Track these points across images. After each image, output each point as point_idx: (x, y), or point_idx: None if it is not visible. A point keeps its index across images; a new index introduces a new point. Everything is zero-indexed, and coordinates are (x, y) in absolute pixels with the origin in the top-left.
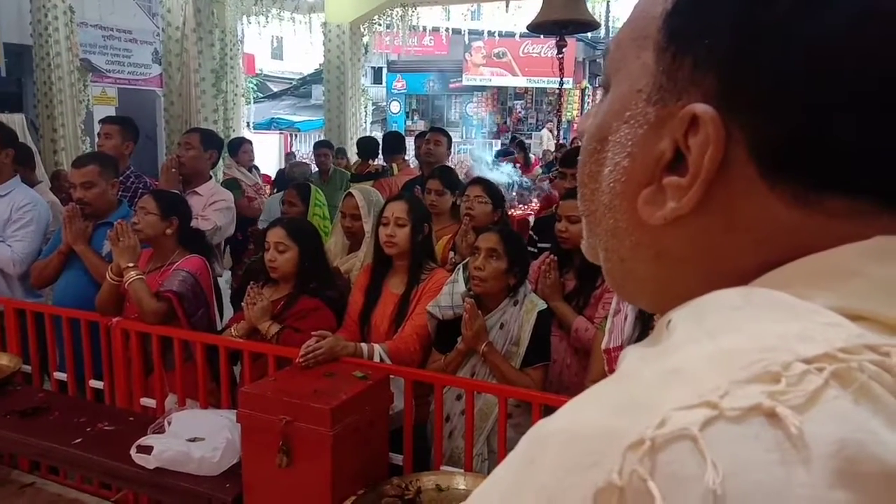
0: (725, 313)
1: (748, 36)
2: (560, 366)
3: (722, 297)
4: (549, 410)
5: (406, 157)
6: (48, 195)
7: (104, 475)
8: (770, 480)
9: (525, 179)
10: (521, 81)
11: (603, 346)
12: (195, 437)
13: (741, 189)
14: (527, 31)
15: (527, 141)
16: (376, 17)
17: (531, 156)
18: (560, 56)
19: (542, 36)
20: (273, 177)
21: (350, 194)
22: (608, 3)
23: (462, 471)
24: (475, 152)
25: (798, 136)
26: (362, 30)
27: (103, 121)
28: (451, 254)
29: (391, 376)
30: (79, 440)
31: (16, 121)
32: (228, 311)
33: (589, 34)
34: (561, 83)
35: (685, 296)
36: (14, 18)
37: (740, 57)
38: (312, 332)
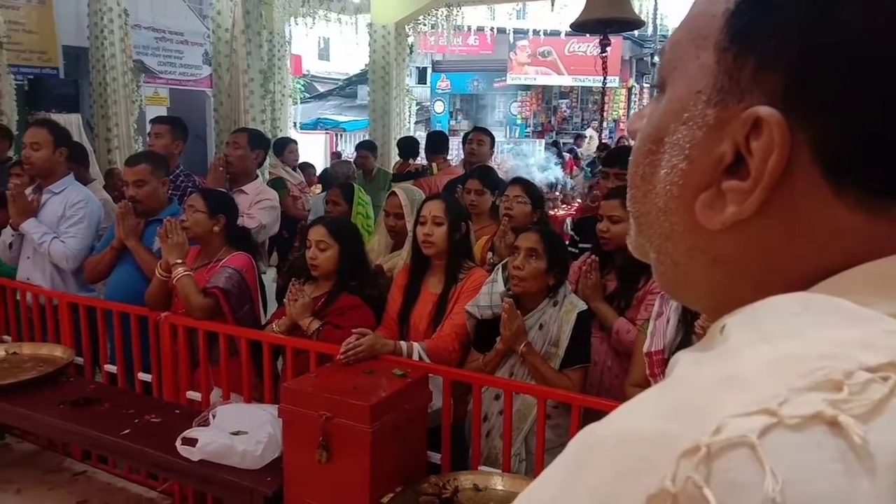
0: (783, 319)
1: (818, 36)
2: (601, 368)
3: (779, 303)
4: (588, 412)
5: (448, 157)
6: (100, 193)
7: (150, 466)
8: (832, 490)
9: (569, 180)
10: (566, 80)
11: (644, 348)
12: (238, 431)
13: (803, 193)
14: (570, 26)
15: (569, 140)
16: (421, 17)
17: (566, 155)
18: (604, 55)
19: (587, 35)
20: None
21: (394, 193)
22: (656, 0)
23: (500, 471)
24: (520, 150)
25: (867, 140)
26: (407, 30)
27: (154, 120)
28: (490, 254)
29: (430, 375)
30: (127, 431)
31: (72, 121)
32: (273, 308)
33: (636, 32)
34: (604, 82)
35: (742, 302)
36: (72, 21)
37: (809, 58)
38: (353, 330)
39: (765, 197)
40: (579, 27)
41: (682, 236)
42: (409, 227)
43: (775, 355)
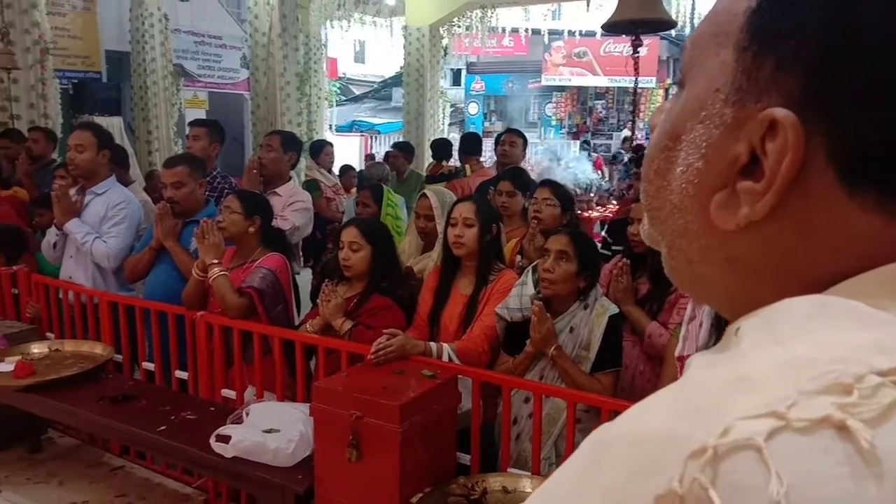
0: (797, 321)
1: (837, 37)
2: (632, 372)
3: (794, 305)
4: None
5: (482, 159)
6: (141, 194)
7: (185, 462)
8: (839, 494)
9: (604, 182)
10: (601, 81)
11: (676, 353)
12: (271, 429)
13: (818, 195)
14: (602, 27)
15: (606, 141)
16: (456, 19)
17: (593, 155)
18: (635, 56)
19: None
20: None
21: (424, 195)
22: (693, 0)
23: (529, 474)
24: (552, 151)
25: (883, 142)
26: (442, 32)
27: (192, 123)
28: (518, 257)
29: (459, 376)
30: (163, 427)
31: (114, 124)
32: (308, 308)
33: (673, 32)
34: (636, 83)
35: (757, 303)
36: (114, 27)
37: (828, 59)
38: (384, 330)
39: (778, 199)
40: (610, 28)
41: (697, 234)
42: (440, 228)
43: (787, 358)
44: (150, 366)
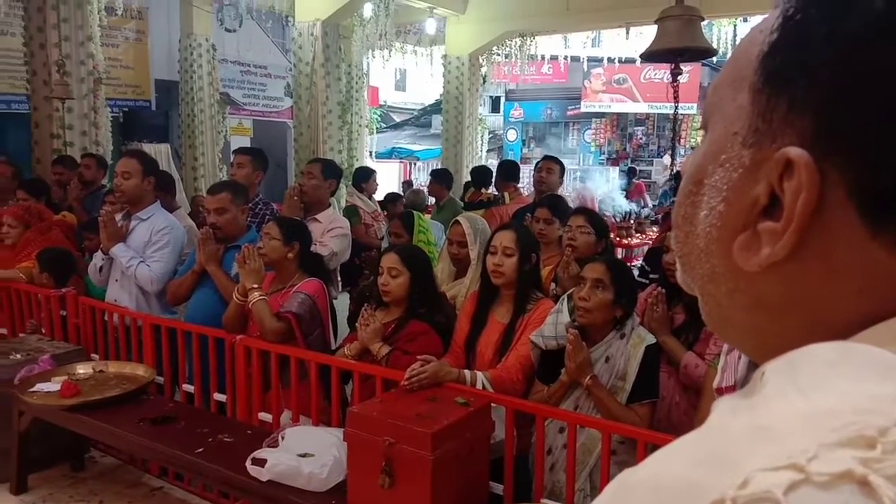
0: (819, 369)
1: (847, 77)
2: (668, 403)
3: (817, 352)
4: (655, 449)
5: (520, 186)
6: (185, 220)
7: (222, 484)
8: None
9: (645, 209)
10: (641, 107)
11: (715, 384)
12: (306, 453)
13: (840, 235)
14: (641, 56)
15: (647, 168)
16: (495, 47)
17: (634, 182)
18: (675, 84)
19: (668, 63)
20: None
21: (457, 222)
22: (735, 26)
23: None
24: (589, 181)
25: None
26: (481, 60)
27: (236, 151)
28: (553, 285)
29: (493, 405)
30: (201, 449)
31: (162, 150)
32: (345, 332)
33: (714, 59)
34: (675, 111)
35: (786, 346)
36: (164, 56)
37: (841, 99)
38: (417, 357)
39: (798, 238)
40: (650, 57)
41: (724, 278)
42: (473, 255)
43: (808, 408)
44: (190, 388)
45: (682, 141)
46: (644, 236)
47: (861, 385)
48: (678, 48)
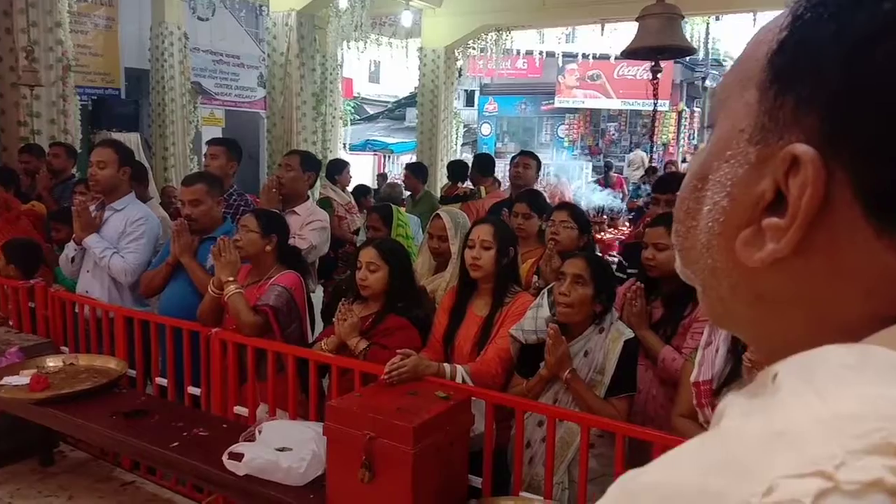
0: (837, 372)
1: (857, 76)
2: (645, 396)
3: (833, 354)
4: (633, 442)
5: (498, 179)
6: (159, 210)
7: (197, 478)
8: None
9: (613, 199)
10: (615, 103)
11: (692, 378)
12: (283, 447)
13: (845, 233)
14: (621, 54)
15: (619, 164)
16: (471, 41)
17: (613, 175)
18: (655, 81)
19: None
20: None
21: (438, 216)
22: (707, 25)
23: (541, 498)
24: (563, 176)
25: None
26: (457, 54)
27: (210, 142)
28: (535, 278)
29: (473, 399)
30: (176, 443)
31: (132, 140)
32: (319, 326)
33: (687, 57)
34: (655, 107)
35: (789, 343)
36: (135, 45)
37: (848, 97)
38: (397, 350)
39: (802, 235)
40: (630, 54)
41: (725, 273)
42: (453, 249)
43: (828, 412)
44: (163, 381)
45: (654, 137)
46: (617, 231)
47: (882, 389)
48: (658, 46)
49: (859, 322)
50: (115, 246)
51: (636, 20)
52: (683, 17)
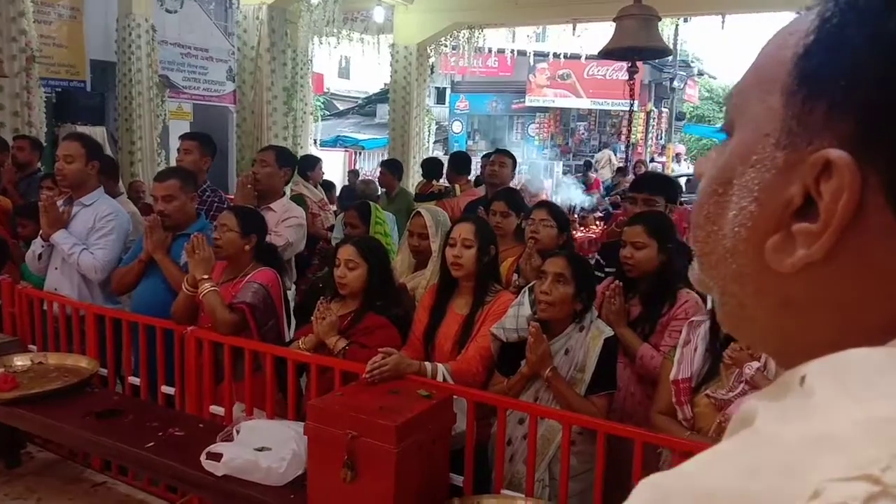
0: (871, 376)
1: (891, 80)
2: (623, 393)
3: (864, 357)
4: (614, 439)
5: (469, 178)
6: (129, 206)
7: (174, 479)
8: None
9: (589, 198)
10: (584, 103)
11: (671, 376)
12: (262, 447)
13: (877, 237)
14: (592, 53)
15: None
16: (443, 38)
17: (592, 175)
18: (631, 81)
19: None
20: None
21: (419, 213)
22: (676, 27)
23: (523, 496)
24: (533, 174)
25: None
26: (429, 51)
27: (183, 137)
28: (515, 276)
29: (454, 396)
30: (151, 444)
31: (97, 133)
32: (292, 324)
33: (663, 58)
34: (631, 107)
35: (814, 348)
36: (101, 36)
37: (884, 102)
38: (378, 349)
39: (835, 240)
40: (608, 54)
41: (751, 278)
42: (434, 247)
43: (866, 416)
44: (135, 380)
45: (621, 137)
46: (587, 230)
47: None
48: (635, 47)
49: (886, 325)
50: (85, 242)
51: (613, 21)
52: (660, 19)
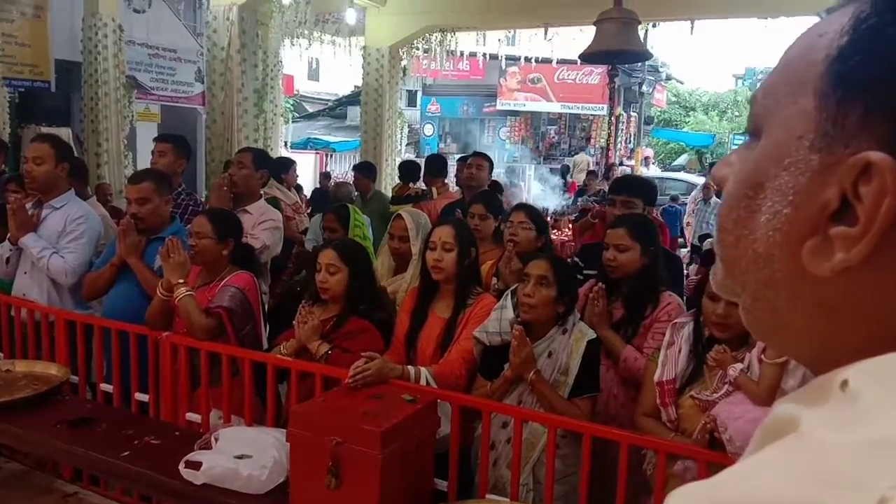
0: None
1: None
2: (607, 395)
3: None
4: (599, 442)
5: (446, 181)
6: (99, 208)
7: (151, 489)
8: None
9: (564, 202)
10: (555, 107)
11: (656, 378)
12: (243, 455)
13: None
14: (563, 57)
15: (558, 166)
16: (415, 41)
17: (569, 179)
18: (611, 85)
19: (591, 64)
20: (309, 196)
21: (399, 216)
22: (646, 31)
23: (508, 500)
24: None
25: None
26: (401, 53)
27: (158, 139)
28: (495, 280)
29: (438, 400)
30: (127, 453)
31: (62, 134)
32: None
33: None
34: (610, 111)
35: (850, 352)
36: (66, 36)
37: None
38: (361, 354)
39: (875, 243)
40: (588, 58)
41: (785, 283)
42: (415, 250)
43: None
44: (108, 387)
45: (591, 141)
46: (560, 233)
47: None
48: (615, 50)
49: None
50: (55, 246)
51: (594, 24)
52: (640, 23)
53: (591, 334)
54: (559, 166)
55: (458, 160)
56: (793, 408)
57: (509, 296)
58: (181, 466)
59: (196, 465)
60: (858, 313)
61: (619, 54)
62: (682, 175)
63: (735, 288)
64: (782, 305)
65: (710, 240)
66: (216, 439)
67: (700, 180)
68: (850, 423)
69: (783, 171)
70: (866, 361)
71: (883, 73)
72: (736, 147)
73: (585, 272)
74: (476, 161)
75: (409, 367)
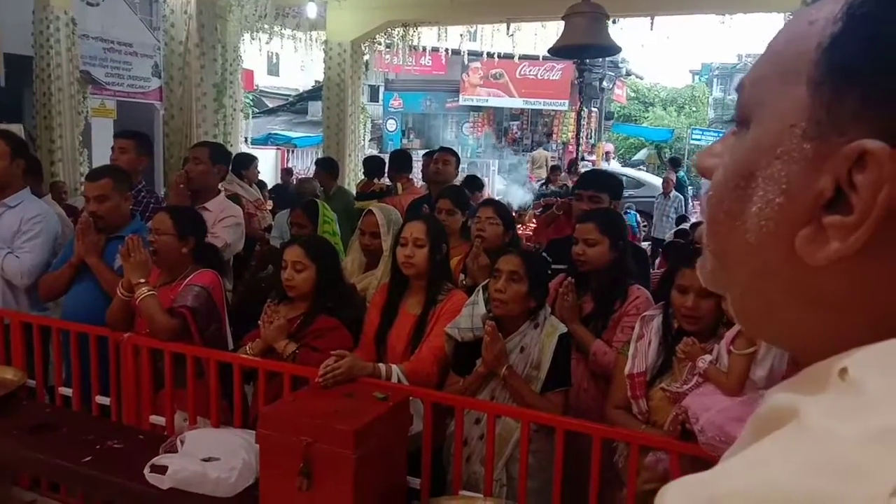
0: None
1: None
2: (577, 389)
3: None
4: (572, 436)
5: (411, 177)
6: (56, 207)
7: (115, 494)
8: None
9: (528, 197)
10: (517, 103)
11: (626, 371)
12: (210, 457)
13: None
14: (525, 53)
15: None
16: (377, 35)
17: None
18: (580, 80)
19: (560, 59)
20: (269, 191)
21: (370, 212)
22: (607, 27)
23: (482, 496)
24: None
25: None
26: (363, 48)
27: (119, 135)
28: (462, 275)
29: (410, 398)
30: (89, 458)
31: (14, 131)
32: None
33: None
34: (580, 105)
35: (846, 341)
36: (16, 29)
37: None
38: (331, 352)
39: (871, 233)
40: (557, 52)
41: (779, 274)
42: (386, 246)
43: None
44: (67, 391)
45: (554, 136)
46: (525, 227)
47: None
48: (584, 44)
49: None
50: (10, 245)
51: (562, 18)
52: (609, 17)
53: (563, 329)
54: (522, 161)
55: (424, 155)
56: (789, 397)
57: (481, 291)
58: (146, 471)
59: (162, 469)
60: (853, 303)
61: (588, 48)
62: (632, 172)
63: (726, 280)
64: (777, 297)
65: (671, 231)
66: (182, 442)
67: (653, 179)
68: (856, 411)
69: (776, 159)
70: (864, 349)
71: (879, 61)
72: (694, 142)
73: (554, 267)
74: (442, 156)
75: (381, 364)
